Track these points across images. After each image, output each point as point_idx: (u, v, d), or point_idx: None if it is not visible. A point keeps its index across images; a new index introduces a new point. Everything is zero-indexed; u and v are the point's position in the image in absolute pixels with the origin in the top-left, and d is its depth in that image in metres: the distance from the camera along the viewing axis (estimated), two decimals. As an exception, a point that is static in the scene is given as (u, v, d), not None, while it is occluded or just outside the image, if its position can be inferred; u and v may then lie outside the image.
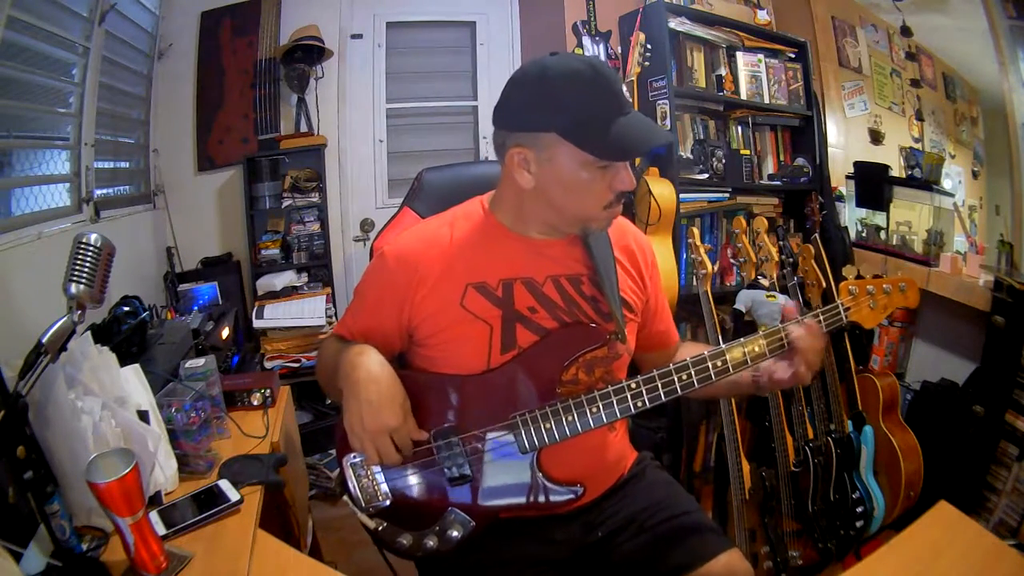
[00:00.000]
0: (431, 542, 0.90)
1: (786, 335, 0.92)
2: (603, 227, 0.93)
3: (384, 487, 0.91)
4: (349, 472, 0.92)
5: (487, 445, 0.89)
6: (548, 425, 0.87)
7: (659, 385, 0.88)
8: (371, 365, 0.86)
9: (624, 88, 0.87)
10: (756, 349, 0.92)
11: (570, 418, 0.88)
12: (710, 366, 0.89)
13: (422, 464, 0.90)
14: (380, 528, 0.91)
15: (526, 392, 0.89)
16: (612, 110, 0.83)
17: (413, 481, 0.91)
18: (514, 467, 0.89)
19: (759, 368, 0.95)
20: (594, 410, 0.88)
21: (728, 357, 0.90)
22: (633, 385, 0.88)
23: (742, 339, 0.92)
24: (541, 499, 0.91)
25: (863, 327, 1.02)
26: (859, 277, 1.02)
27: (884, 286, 1.01)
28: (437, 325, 0.92)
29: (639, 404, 0.88)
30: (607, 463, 1.02)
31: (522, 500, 0.91)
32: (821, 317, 0.96)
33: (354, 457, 0.91)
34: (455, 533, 0.90)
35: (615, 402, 0.88)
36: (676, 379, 0.89)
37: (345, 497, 0.93)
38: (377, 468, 0.91)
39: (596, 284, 0.96)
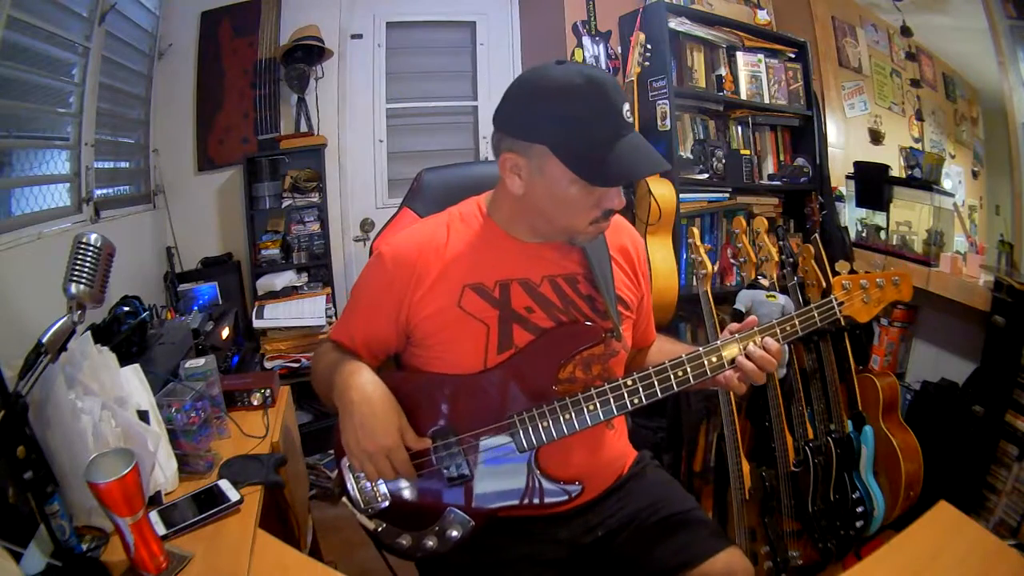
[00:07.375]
0: (430, 542, 0.90)
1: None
2: (589, 240, 0.93)
3: (383, 488, 0.92)
4: (348, 474, 0.92)
5: (485, 445, 0.89)
6: (545, 424, 0.87)
7: (655, 382, 0.88)
8: (364, 385, 0.86)
9: (627, 107, 0.84)
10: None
11: (567, 416, 0.87)
12: (705, 362, 0.89)
13: (421, 465, 0.89)
14: (379, 529, 0.91)
15: (523, 391, 0.89)
16: (608, 131, 0.82)
17: (412, 482, 0.91)
18: (512, 466, 0.90)
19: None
20: (591, 408, 0.88)
21: (723, 353, 0.90)
22: (629, 382, 0.88)
23: (737, 335, 0.92)
24: (539, 498, 0.91)
25: (857, 321, 1.02)
26: (852, 272, 1.03)
27: (877, 280, 1.02)
28: (434, 326, 0.92)
29: (635, 401, 0.88)
30: (605, 461, 1.02)
31: (521, 500, 0.91)
32: (815, 312, 0.96)
33: None
34: (454, 533, 0.90)
35: (612, 399, 0.88)
36: (672, 375, 0.88)
37: (344, 499, 0.93)
38: None
39: (592, 283, 0.96)
